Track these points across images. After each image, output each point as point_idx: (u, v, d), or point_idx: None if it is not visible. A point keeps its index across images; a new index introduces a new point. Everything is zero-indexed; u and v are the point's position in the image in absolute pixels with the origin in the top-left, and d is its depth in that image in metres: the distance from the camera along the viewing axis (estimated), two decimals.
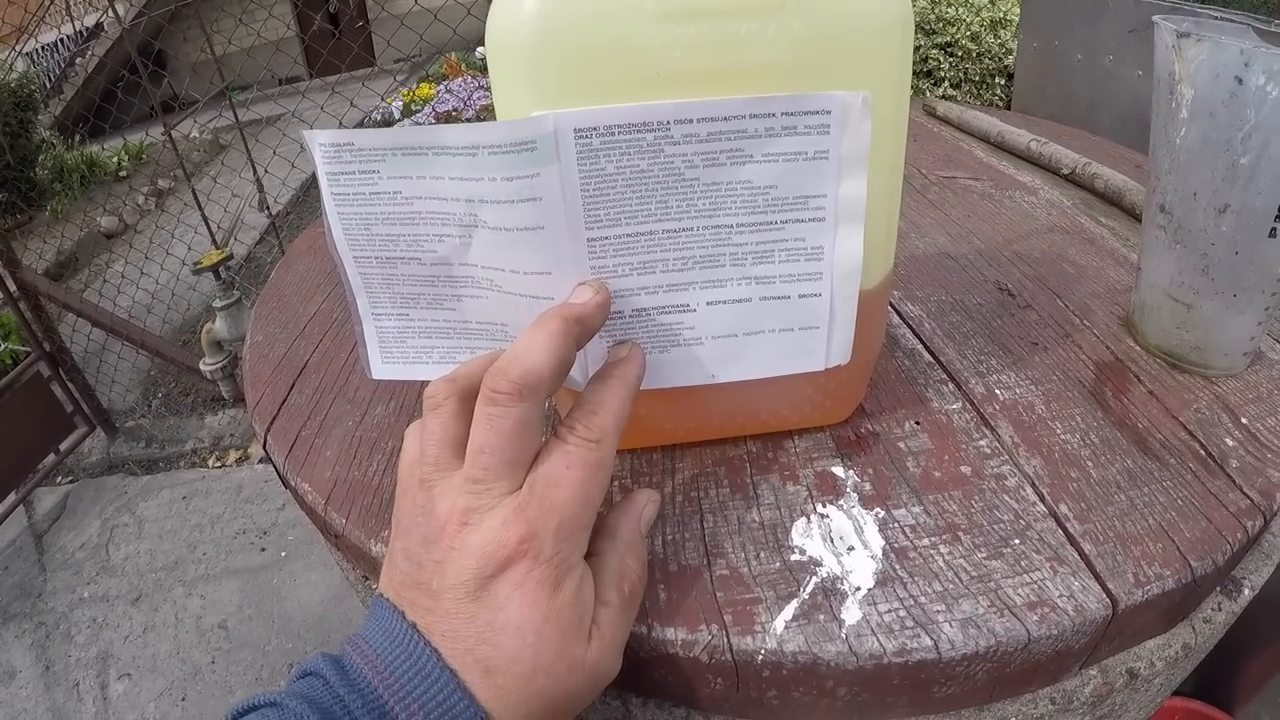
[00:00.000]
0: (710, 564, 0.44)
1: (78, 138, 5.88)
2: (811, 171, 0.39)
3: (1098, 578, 0.42)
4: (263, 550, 2.23)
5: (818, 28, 0.36)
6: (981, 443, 0.51)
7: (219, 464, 2.60)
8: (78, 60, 7.85)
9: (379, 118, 5.16)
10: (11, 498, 2.40)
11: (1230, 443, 0.52)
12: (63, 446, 2.56)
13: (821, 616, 0.40)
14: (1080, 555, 0.43)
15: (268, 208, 2.99)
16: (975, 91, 2.89)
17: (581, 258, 0.39)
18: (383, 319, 0.44)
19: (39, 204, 5.13)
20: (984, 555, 0.43)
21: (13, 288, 2.37)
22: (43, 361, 2.49)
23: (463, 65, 5.87)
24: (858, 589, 0.42)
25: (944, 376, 0.58)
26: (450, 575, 0.35)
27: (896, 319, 0.65)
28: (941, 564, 0.43)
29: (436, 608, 0.35)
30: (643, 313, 0.42)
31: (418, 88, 5.27)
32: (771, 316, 0.43)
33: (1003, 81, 2.81)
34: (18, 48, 6.03)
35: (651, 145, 0.37)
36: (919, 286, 0.70)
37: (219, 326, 1.43)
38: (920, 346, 0.61)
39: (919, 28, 2.82)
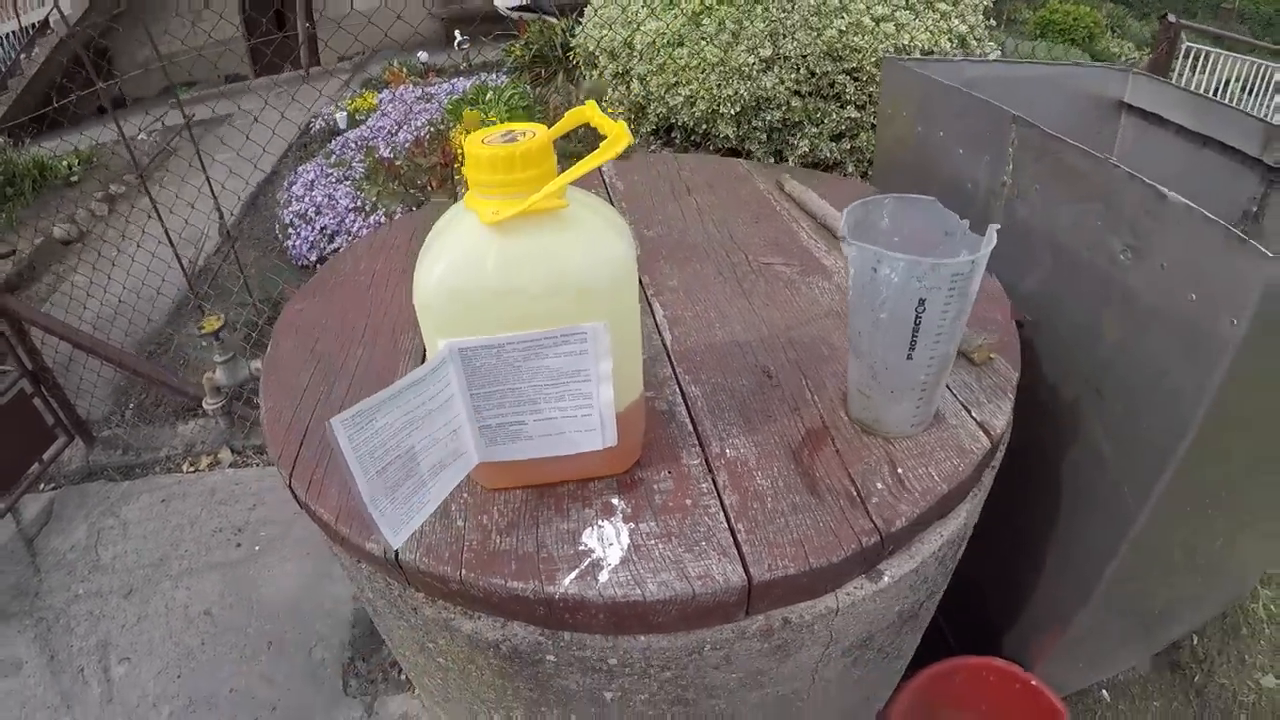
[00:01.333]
0: (538, 550, 0.88)
1: (25, 140, 6.08)
2: (579, 361, 0.82)
3: (744, 565, 0.85)
4: (238, 546, 2.59)
5: (579, 300, 0.79)
6: (704, 485, 0.94)
7: (193, 469, 2.95)
8: (22, 58, 8.01)
9: (324, 125, 5.51)
10: (0, 505, 2.72)
11: (880, 486, 0.95)
12: (45, 456, 2.89)
13: (589, 579, 0.84)
14: (739, 553, 0.86)
15: (221, 213, 3.27)
16: (869, 140, 3.28)
17: (469, 408, 0.83)
18: (383, 507, 0.79)
19: None
20: (682, 550, 0.86)
21: None
22: (25, 379, 2.80)
23: (404, 71, 6.23)
24: (610, 564, 0.85)
25: (696, 442, 1.01)
26: None
27: (680, 399, 1.08)
28: (658, 554, 0.86)
29: None
30: (502, 426, 0.86)
31: (361, 96, 5.61)
32: (569, 424, 0.87)
33: None
34: None
35: (498, 353, 0.80)
36: (705, 371, 1.13)
37: (219, 375, 1.83)
38: (688, 419, 1.04)
39: (829, 55, 3.19)
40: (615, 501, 0.93)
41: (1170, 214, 1.06)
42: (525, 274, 0.77)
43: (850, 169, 3.39)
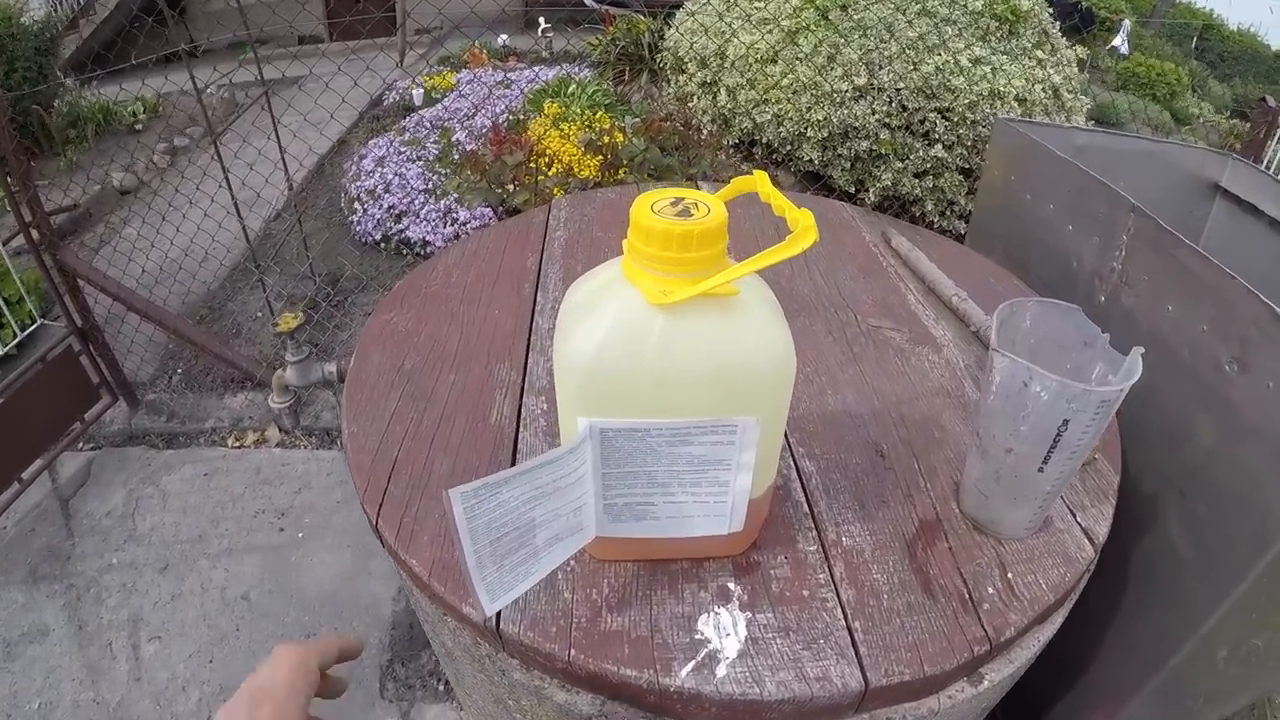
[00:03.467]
0: (652, 634, 0.86)
1: (93, 82, 6.06)
2: (724, 450, 0.81)
3: (862, 668, 0.84)
4: (281, 530, 2.59)
5: (736, 392, 0.78)
6: (821, 576, 0.93)
7: (238, 444, 2.95)
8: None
9: (397, 99, 5.52)
10: (39, 462, 2.73)
11: (991, 591, 0.93)
12: (88, 415, 2.90)
13: (705, 672, 0.83)
14: (856, 654, 0.85)
15: (291, 184, 3.27)
16: (952, 181, 3.26)
17: (599, 485, 0.82)
18: (488, 573, 0.78)
19: (53, 152, 5.36)
20: (800, 647, 0.85)
21: (52, 269, 2.71)
22: (74, 336, 2.81)
23: (484, 52, 6.23)
24: (727, 658, 0.84)
25: (811, 525, 0.99)
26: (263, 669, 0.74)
27: (794, 474, 1.07)
28: (775, 649, 0.85)
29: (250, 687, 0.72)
30: (629, 505, 0.85)
31: (439, 74, 5.61)
32: (699, 508, 0.86)
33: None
34: None
35: (642, 438, 0.79)
36: (818, 444, 1.12)
37: (289, 374, 1.83)
38: (803, 498, 1.03)
39: (922, 91, 3.18)
40: (731, 586, 0.92)
41: None
42: (686, 361, 0.75)
43: (929, 206, 3.38)
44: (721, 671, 0.83)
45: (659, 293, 0.71)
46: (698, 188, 0.82)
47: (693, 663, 0.84)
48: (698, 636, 0.86)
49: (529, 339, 1.33)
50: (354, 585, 2.39)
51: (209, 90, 6.08)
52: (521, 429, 1.14)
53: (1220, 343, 1.16)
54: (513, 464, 1.07)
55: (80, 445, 3.00)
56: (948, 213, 3.42)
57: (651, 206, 0.73)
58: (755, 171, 0.82)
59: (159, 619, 2.34)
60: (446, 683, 2.10)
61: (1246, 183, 1.81)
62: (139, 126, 6.01)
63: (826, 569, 0.94)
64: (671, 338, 0.74)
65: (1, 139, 2.44)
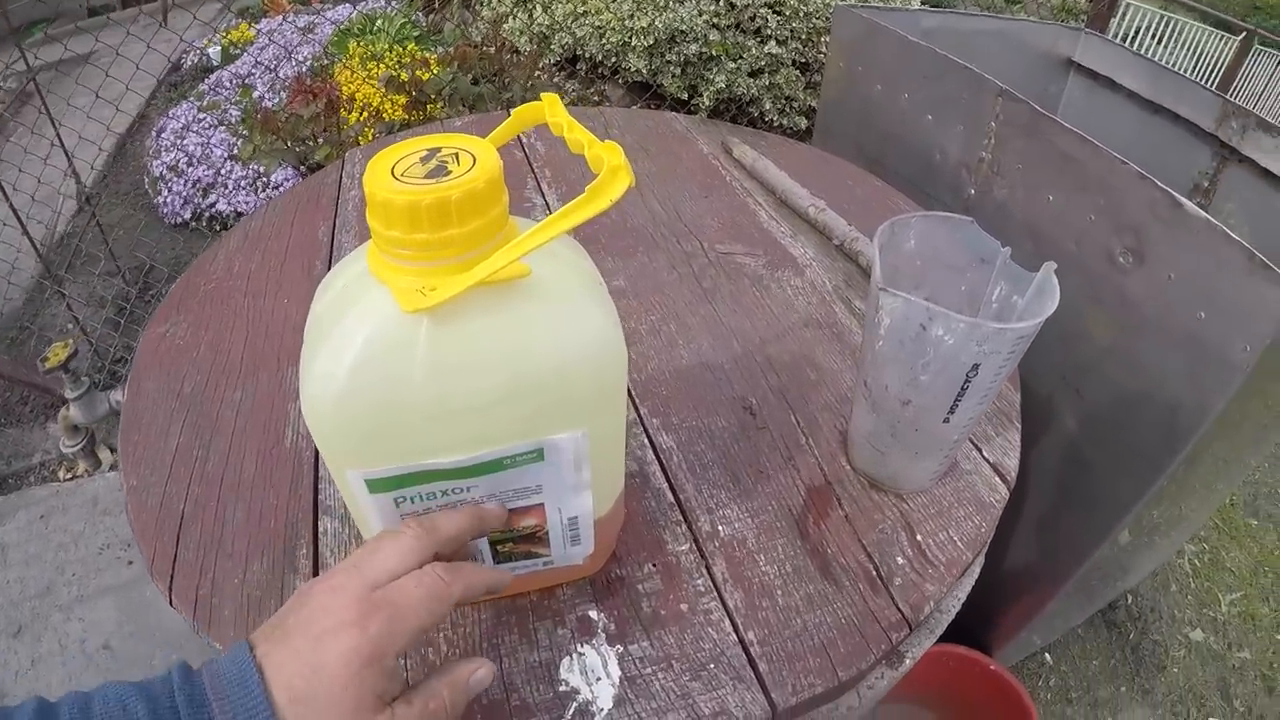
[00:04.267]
0: (508, 697, 0.68)
1: None
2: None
3: (765, 691, 0.68)
4: (130, 564, 2.36)
5: (549, 402, 0.57)
6: (699, 581, 0.76)
7: (70, 475, 2.68)
8: None
9: (197, 60, 5.11)
10: None
11: (900, 561, 0.79)
12: None
13: None
14: (755, 674, 0.69)
15: (78, 178, 2.96)
16: (789, 76, 3.12)
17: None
18: None
19: None
20: (688, 678, 0.68)
21: None
22: None
23: None
24: (602, 709, 0.67)
25: (679, 517, 0.82)
26: (303, 620, 0.49)
27: (650, 454, 0.89)
28: (658, 687, 0.68)
29: (284, 641, 0.48)
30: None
31: (236, 28, 5.22)
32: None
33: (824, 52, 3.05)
34: None
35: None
36: (675, 410, 0.95)
37: (74, 413, 1.60)
38: (666, 485, 0.86)
39: None
40: (594, 615, 0.74)
41: (1185, 225, 0.99)
42: (469, 379, 0.54)
43: (768, 105, 3.25)
44: None
45: (415, 294, 0.50)
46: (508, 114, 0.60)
47: None
48: (562, 688, 0.69)
49: None
50: None
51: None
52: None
53: (1111, 233, 1.10)
54: (315, 503, 0.87)
55: None
56: (787, 109, 3.29)
57: (392, 169, 0.51)
58: (544, 95, 0.59)
59: (23, 690, 2.11)
60: None
61: (1101, 56, 1.79)
62: None
63: (705, 571, 0.78)
64: (443, 352, 0.52)
65: None
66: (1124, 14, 6.67)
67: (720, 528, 0.81)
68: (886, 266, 0.74)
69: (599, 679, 0.69)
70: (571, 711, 0.67)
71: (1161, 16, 6.76)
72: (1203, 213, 0.96)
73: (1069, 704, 2.00)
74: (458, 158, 0.52)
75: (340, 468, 0.58)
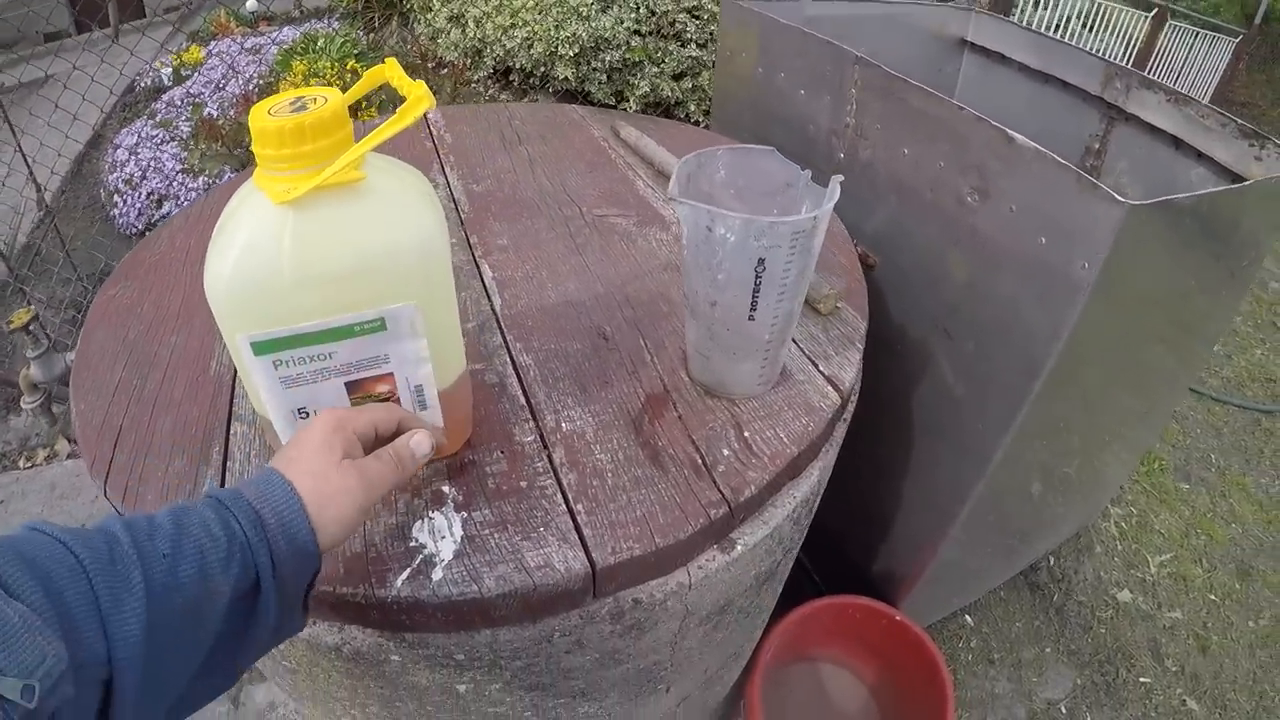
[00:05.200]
0: (366, 551, 0.80)
1: None
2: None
3: (586, 550, 0.79)
4: None
5: (387, 278, 0.71)
6: (539, 464, 0.88)
7: (30, 464, 2.74)
8: None
9: (149, 83, 5.20)
10: None
11: (726, 452, 0.90)
12: None
13: (421, 578, 0.77)
14: (580, 537, 0.81)
15: (39, 190, 3.06)
16: (711, 78, 3.23)
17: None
18: None
19: None
20: (520, 538, 0.80)
21: None
22: None
23: (231, 21, 5.92)
24: (444, 560, 0.78)
25: (529, 415, 0.94)
26: (300, 433, 0.70)
27: (510, 370, 1.01)
28: (493, 544, 0.80)
29: (280, 455, 0.69)
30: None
31: (186, 49, 5.32)
32: None
33: None
34: None
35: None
36: (537, 338, 1.06)
37: (34, 372, 1.70)
38: (520, 392, 0.98)
39: None
40: (446, 489, 0.86)
41: (1019, 157, 1.06)
42: (323, 257, 0.69)
43: (693, 108, 3.36)
44: (438, 575, 0.77)
45: (280, 191, 0.66)
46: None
47: (408, 570, 0.78)
48: (412, 544, 0.81)
49: None
50: None
51: None
52: (239, 375, 1.05)
53: (959, 175, 1.17)
54: (229, 413, 1.00)
55: None
56: (711, 111, 3.41)
57: (269, 110, 0.67)
58: (387, 59, 0.75)
59: None
60: None
61: (993, 33, 1.84)
62: None
63: (545, 457, 0.89)
64: (303, 235, 0.68)
65: None
66: (1052, 2, 6.71)
67: (564, 425, 0.93)
68: (700, 195, 0.85)
69: (443, 538, 0.81)
70: (418, 561, 0.79)
71: (1092, 2, 6.81)
72: (1031, 143, 1.04)
73: (991, 665, 2.01)
74: (315, 100, 0.67)
75: (232, 334, 0.72)
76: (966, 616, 2.09)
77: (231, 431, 0.97)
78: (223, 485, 0.90)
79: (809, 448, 0.93)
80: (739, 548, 0.88)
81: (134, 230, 3.86)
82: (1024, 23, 5.68)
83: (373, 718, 1.04)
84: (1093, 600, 2.15)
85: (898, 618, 1.58)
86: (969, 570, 1.76)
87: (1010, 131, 1.06)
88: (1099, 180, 0.97)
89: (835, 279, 1.14)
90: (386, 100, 3.64)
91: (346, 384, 0.77)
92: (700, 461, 0.89)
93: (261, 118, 0.66)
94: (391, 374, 0.78)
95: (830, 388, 0.99)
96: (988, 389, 1.23)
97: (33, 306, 1.71)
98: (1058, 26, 6.55)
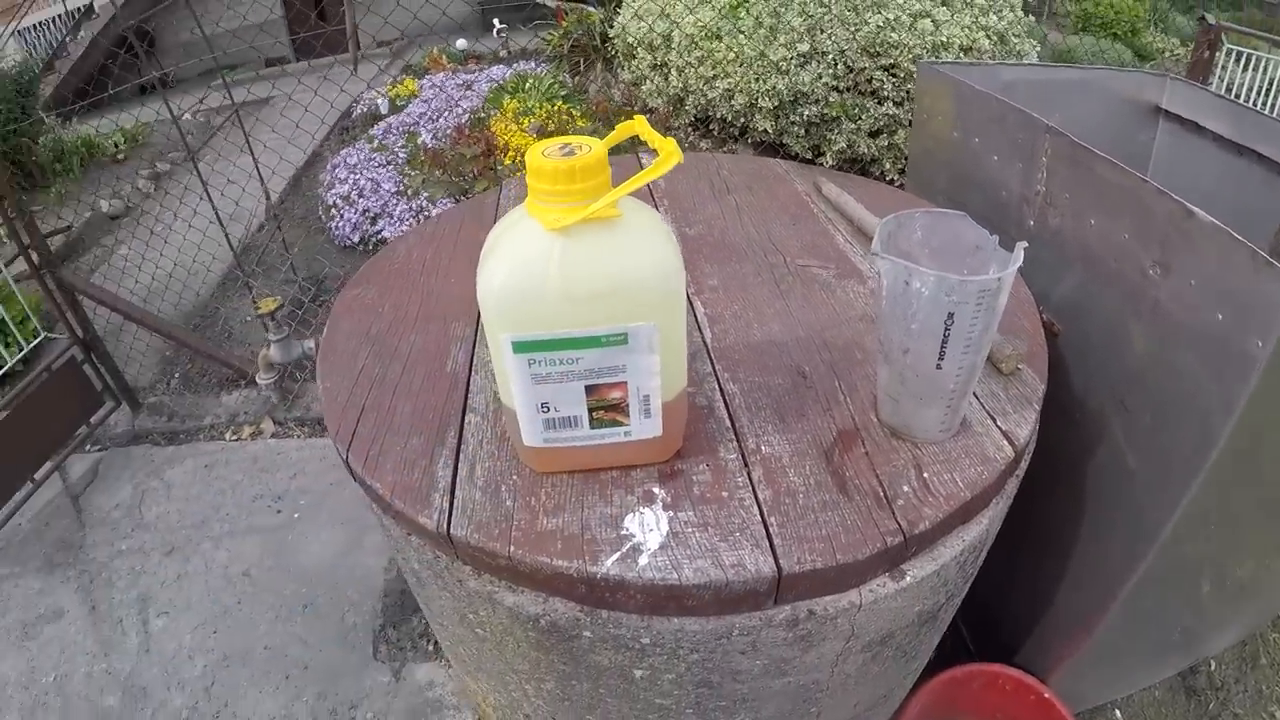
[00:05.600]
0: (582, 532, 0.92)
1: (73, 118, 6.15)
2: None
3: (775, 556, 0.89)
4: (278, 512, 2.65)
5: (632, 300, 0.84)
6: (739, 479, 0.98)
7: (235, 438, 3.00)
8: (69, 40, 8.15)
9: (366, 109, 5.56)
10: (49, 464, 2.82)
11: (906, 489, 0.98)
12: (93, 420, 2.97)
13: (628, 561, 0.88)
14: (771, 545, 0.90)
15: (269, 198, 3.32)
16: (907, 137, 3.27)
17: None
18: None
19: (43, 185, 5.45)
20: (718, 539, 0.91)
21: (53, 286, 2.79)
22: (76, 347, 2.90)
23: (444, 58, 6.29)
24: (649, 549, 0.90)
25: (732, 436, 1.05)
26: None
27: (719, 396, 1.12)
28: (694, 542, 0.90)
29: None
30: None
31: (402, 82, 5.66)
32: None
33: None
34: (7, 28, 6.30)
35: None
36: (743, 369, 1.17)
37: (272, 352, 1.90)
38: (726, 416, 1.08)
39: (866, 51, 3.20)
40: (656, 490, 0.97)
41: (1198, 232, 1.06)
42: (583, 277, 0.82)
43: (887, 165, 3.40)
44: (644, 560, 0.89)
45: (552, 219, 0.80)
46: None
47: (618, 554, 0.89)
48: (623, 532, 0.92)
49: None
50: (348, 559, 2.45)
51: (186, 117, 6.12)
52: (474, 373, 1.20)
53: (1142, 248, 1.18)
54: (465, 404, 1.14)
55: (88, 447, 3.05)
56: (907, 170, 3.43)
57: (542, 151, 0.81)
58: (636, 116, 0.88)
59: (166, 597, 2.40)
60: (435, 642, 2.16)
61: (1187, 101, 1.79)
62: (121, 156, 6.05)
63: (745, 473, 0.99)
64: (568, 257, 0.82)
65: None
66: (1251, 62, 6.19)
67: (763, 448, 1.03)
68: (899, 252, 0.94)
69: (651, 531, 0.92)
70: (627, 547, 0.90)
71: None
72: (1210, 218, 1.04)
73: None
74: (581, 147, 0.81)
75: (496, 333, 0.86)
76: (1117, 711, 2.01)
77: (466, 421, 1.11)
78: (455, 466, 1.03)
79: (981, 495, 1.00)
80: (908, 578, 0.96)
81: (348, 242, 4.16)
82: (1227, 83, 5.41)
83: (545, 694, 1.15)
84: (1250, 715, 2.03)
85: (1047, 694, 1.57)
86: (1124, 659, 1.71)
87: (1190, 206, 1.07)
88: None
89: (1018, 341, 1.19)
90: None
91: (586, 386, 0.90)
92: (882, 494, 0.97)
93: (538, 157, 0.80)
94: (625, 382, 0.90)
95: (1006, 442, 1.06)
96: (1161, 464, 1.23)
97: (279, 297, 1.90)
98: (1265, 90, 6.17)
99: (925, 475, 1.00)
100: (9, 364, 2.83)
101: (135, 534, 2.64)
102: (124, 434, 3.12)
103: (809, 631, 0.95)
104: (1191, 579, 1.44)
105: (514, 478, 1.00)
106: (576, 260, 0.82)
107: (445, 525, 0.95)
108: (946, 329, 0.90)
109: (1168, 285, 1.14)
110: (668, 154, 0.79)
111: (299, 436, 3.00)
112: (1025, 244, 0.89)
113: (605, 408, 0.92)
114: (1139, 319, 1.21)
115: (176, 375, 3.45)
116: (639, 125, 0.86)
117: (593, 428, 0.94)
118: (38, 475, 2.78)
